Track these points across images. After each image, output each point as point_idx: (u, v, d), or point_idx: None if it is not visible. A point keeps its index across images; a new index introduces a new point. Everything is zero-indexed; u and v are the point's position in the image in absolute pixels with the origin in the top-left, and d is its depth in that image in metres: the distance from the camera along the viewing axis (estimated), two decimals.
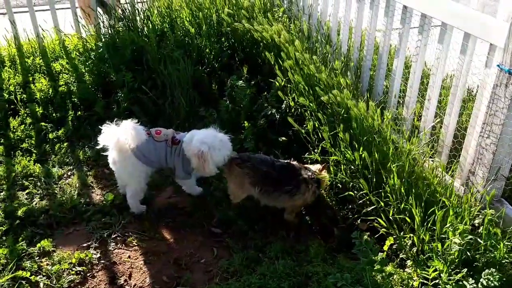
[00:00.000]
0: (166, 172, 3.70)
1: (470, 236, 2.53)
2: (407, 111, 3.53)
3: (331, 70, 3.81)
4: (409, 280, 2.64)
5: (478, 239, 2.54)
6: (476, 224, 2.72)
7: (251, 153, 3.38)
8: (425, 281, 2.55)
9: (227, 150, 3.19)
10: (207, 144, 3.08)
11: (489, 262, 2.47)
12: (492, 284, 2.32)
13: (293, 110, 3.90)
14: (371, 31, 3.86)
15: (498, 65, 2.63)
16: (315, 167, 3.25)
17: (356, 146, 3.19)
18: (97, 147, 3.21)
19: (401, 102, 3.72)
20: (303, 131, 3.51)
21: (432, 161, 3.28)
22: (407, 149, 3.10)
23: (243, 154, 3.26)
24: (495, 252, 2.47)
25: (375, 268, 2.50)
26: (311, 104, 3.57)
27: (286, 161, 3.29)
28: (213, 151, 3.10)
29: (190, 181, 3.49)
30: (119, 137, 3.08)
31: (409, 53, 3.75)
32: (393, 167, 2.94)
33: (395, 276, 2.66)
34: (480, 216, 2.72)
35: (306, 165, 3.31)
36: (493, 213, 2.62)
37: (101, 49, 4.65)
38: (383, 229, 2.92)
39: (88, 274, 2.95)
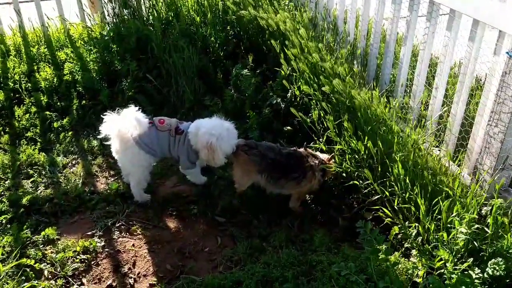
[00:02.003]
0: (171, 161, 3.69)
1: (476, 226, 2.50)
2: (414, 100, 3.48)
3: (336, 59, 3.76)
4: (414, 270, 2.61)
5: (485, 229, 2.50)
6: (483, 214, 2.68)
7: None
8: (430, 271, 2.52)
9: (234, 139, 3.17)
10: (215, 135, 3.06)
11: (495, 251, 2.44)
12: (498, 274, 2.29)
13: (298, 99, 3.87)
14: (378, 19, 3.80)
15: (507, 52, 2.58)
16: (323, 156, 3.23)
17: (361, 135, 3.16)
18: (100, 137, 3.20)
19: (408, 91, 3.67)
20: (308, 120, 3.48)
21: (439, 150, 3.24)
22: (412, 139, 3.06)
23: (250, 141, 3.24)
24: (502, 242, 2.43)
25: (380, 257, 2.47)
26: (316, 93, 3.54)
27: (292, 148, 3.27)
28: (221, 141, 3.08)
29: (194, 171, 3.47)
30: (120, 126, 3.06)
31: (416, 41, 3.70)
32: (398, 156, 2.90)
33: (399, 266, 2.63)
34: (488, 205, 2.68)
35: (314, 153, 3.28)
36: (501, 202, 2.58)
37: (106, 38, 4.63)
38: (388, 219, 2.89)
39: (92, 262, 2.96)
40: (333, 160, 3.25)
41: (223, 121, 3.20)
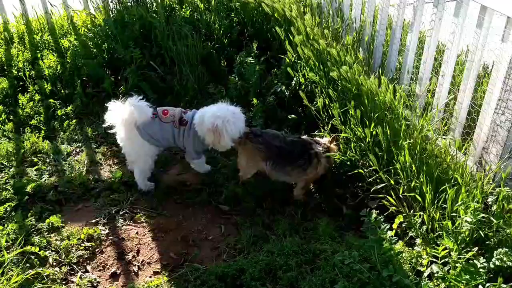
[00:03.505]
0: (175, 149, 3.67)
1: (482, 214, 2.47)
2: (420, 88, 3.44)
3: (342, 46, 3.72)
4: (418, 258, 2.60)
5: (491, 217, 2.48)
6: (490, 203, 2.65)
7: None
8: (434, 260, 2.51)
9: (242, 122, 3.14)
10: (221, 117, 3.04)
11: (501, 240, 2.41)
12: (505, 265, 2.27)
13: (303, 87, 3.83)
14: (384, 5, 3.75)
15: None
16: (324, 140, 3.22)
17: (367, 123, 3.12)
18: (104, 126, 3.19)
19: (414, 78, 3.63)
20: (313, 108, 3.45)
21: (445, 138, 3.20)
22: (419, 126, 3.03)
23: (255, 129, 3.23)
24: (509, 230, 2.40)
25: (384, 246, 2.46)
26: (322, 80, 3.50)
27: (297, 135, 3.25)
28: (227, 124, 3.05)
29: (200, 160, 3.46)
30: (125, 115, 3.05)
31: (423, 28, 3.64)
32: (405, 144, 2.87)
33: (403, 254, 2.62)
34: (494, 194, 2.65)
35: (315, 138, 3.26)
36: (508, 190, 2.55)
37: (110, 25, 4.60)
38: (392, 207, 2.87)
39: (96, 250, 2.97)
40: (335, 142, 3.22)
41: (228, 106, 3.18)
